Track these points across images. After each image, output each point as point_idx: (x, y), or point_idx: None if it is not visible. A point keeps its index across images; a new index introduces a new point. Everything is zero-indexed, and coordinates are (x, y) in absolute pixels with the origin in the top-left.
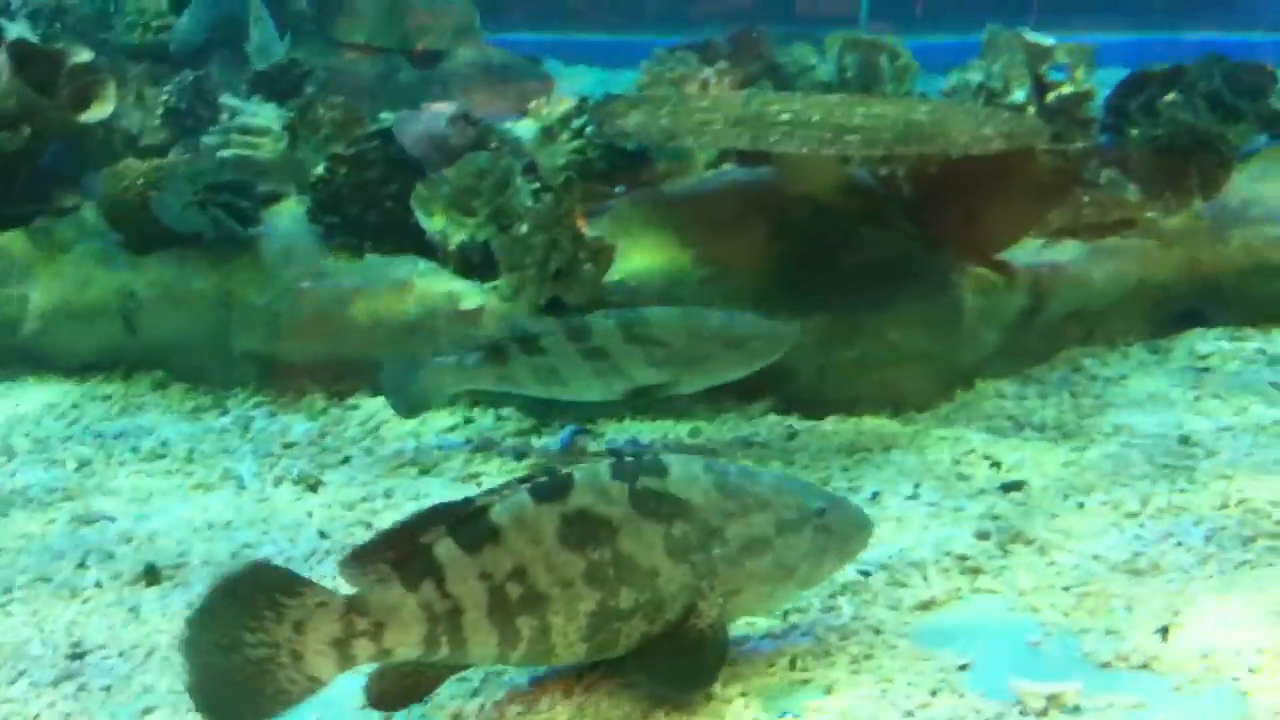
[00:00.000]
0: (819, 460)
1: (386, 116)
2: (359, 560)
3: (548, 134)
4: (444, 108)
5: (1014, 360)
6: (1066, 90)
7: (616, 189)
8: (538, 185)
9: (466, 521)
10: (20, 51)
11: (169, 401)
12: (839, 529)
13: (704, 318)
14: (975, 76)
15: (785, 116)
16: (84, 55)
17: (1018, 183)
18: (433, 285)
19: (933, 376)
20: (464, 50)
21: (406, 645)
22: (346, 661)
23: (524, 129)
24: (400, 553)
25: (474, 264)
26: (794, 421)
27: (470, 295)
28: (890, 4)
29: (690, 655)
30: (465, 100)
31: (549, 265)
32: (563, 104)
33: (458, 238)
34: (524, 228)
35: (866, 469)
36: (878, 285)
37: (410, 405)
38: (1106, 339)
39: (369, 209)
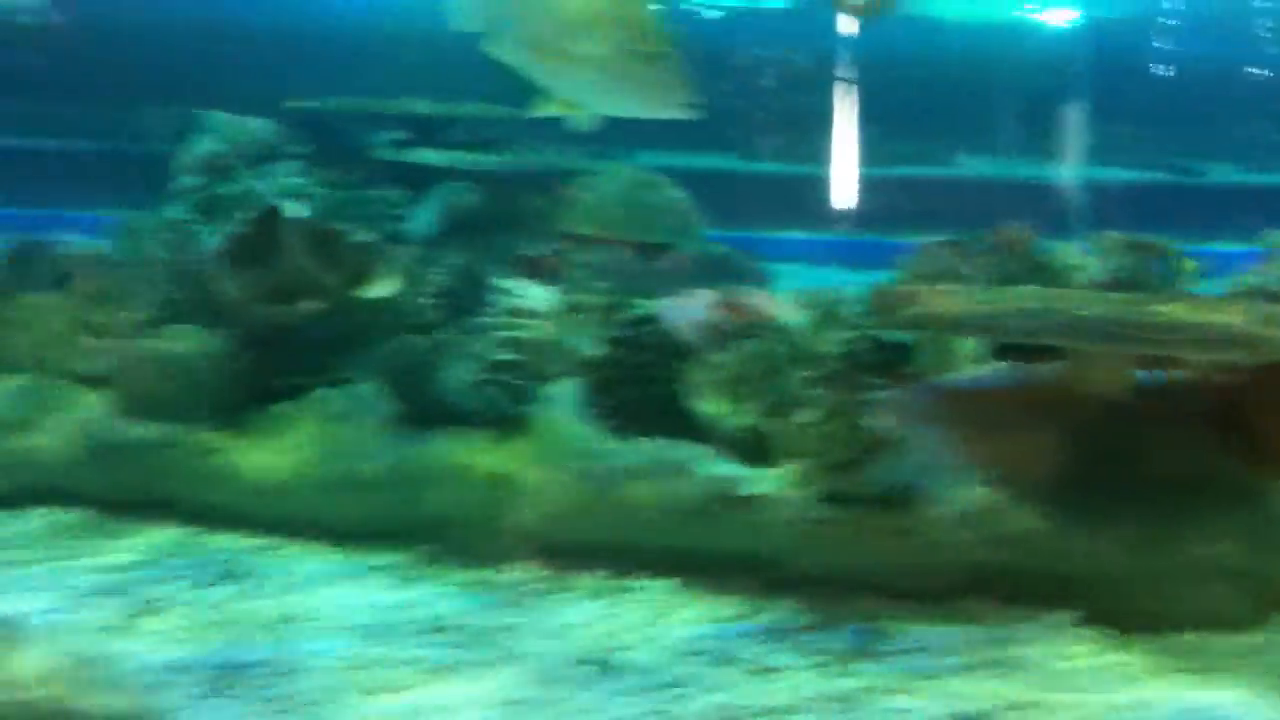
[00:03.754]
0: None
1: (642, 303)
2: None
3: (819, 322)
4: (705, 294)
5: None
6: None
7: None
8: (808, 374)
9: None
10: (303, 229)
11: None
12: None
13: None
14: None
15: (1085, 312)
16: (361, 236)
17: None
18: (713, 470)
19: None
20: (687, 244)
21: None
22: None
23: (790, 317)
24: None
25: (746, 450)
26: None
27: (750, 482)
28: None
29: None
30: (726, 289)
31: (832, 456)
32: (823, 296)
33: (730, 423)
34: (806, 416)
35: None
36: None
37: None
38: None
39: (643, 392)
